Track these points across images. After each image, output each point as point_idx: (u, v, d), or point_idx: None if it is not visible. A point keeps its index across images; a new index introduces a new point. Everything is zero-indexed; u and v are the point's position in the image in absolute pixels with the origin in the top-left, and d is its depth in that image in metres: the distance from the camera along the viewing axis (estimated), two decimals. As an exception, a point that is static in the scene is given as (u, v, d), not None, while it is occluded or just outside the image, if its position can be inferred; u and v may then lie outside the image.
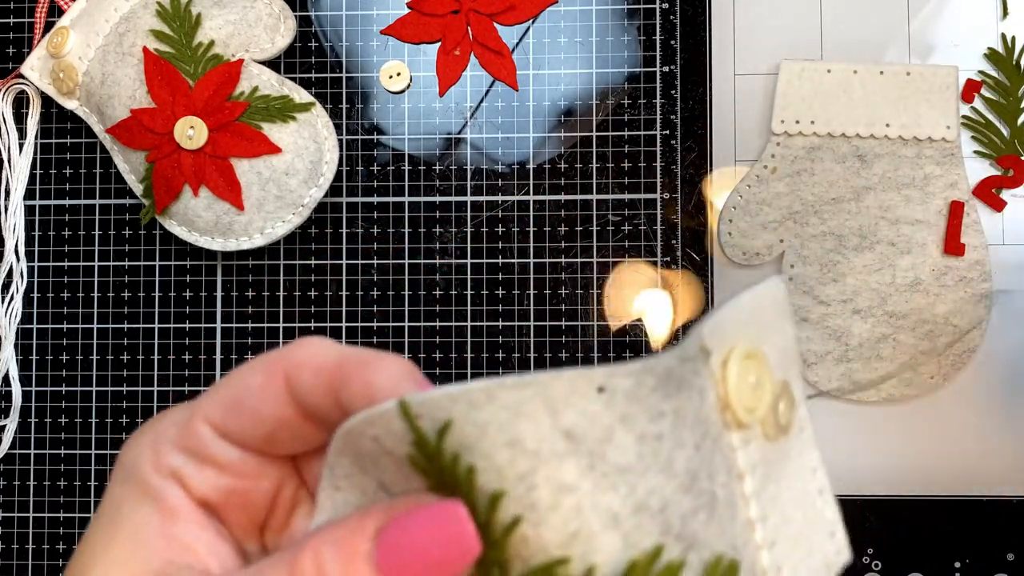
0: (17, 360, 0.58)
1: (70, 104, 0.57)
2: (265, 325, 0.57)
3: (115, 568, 0.25)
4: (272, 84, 0.55)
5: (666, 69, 0.57)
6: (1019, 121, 0.56)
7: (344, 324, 0.57)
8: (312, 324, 0.57)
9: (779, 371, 0.24)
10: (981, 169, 0.56)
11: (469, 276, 0.57)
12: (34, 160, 0.59)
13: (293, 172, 0.54)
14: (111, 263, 0.58)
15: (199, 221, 0.55)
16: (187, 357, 0.58)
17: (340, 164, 0.57)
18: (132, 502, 0.26)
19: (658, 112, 0.57)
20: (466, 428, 0.20)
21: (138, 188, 0.56)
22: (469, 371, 0.57)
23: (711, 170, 0.57)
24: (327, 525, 0.23)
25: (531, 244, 0.57)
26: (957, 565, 0.55)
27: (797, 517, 0.24)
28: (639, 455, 0.21)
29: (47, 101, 0.59)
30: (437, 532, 0.21)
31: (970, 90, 0.56)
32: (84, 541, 0.27)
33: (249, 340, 0.58)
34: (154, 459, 0.26)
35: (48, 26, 0.58)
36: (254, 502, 0.26)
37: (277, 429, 0.25)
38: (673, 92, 0.57)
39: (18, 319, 0.58)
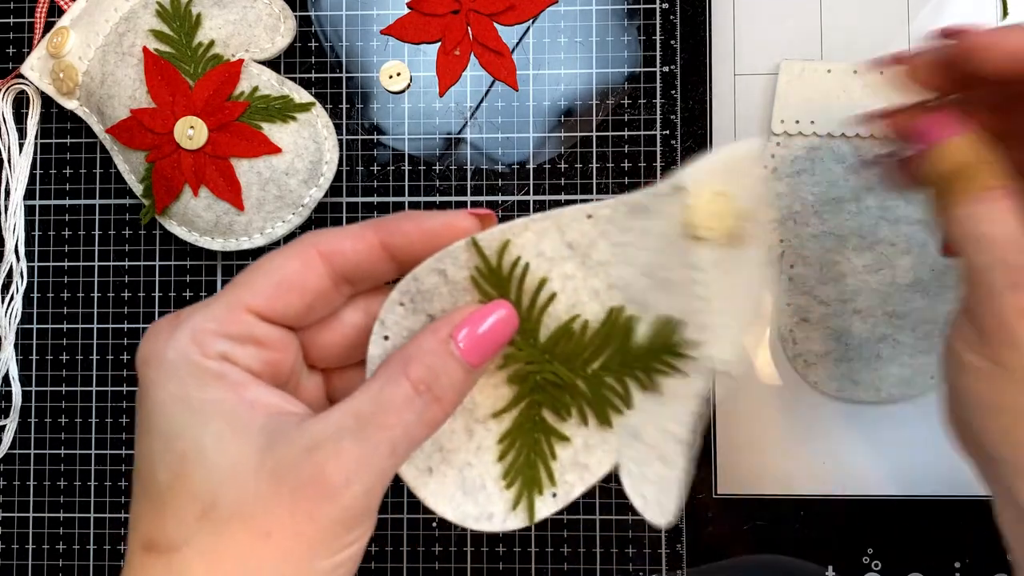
0: (17, 360, 0.58)
1: (70, 104, 0.57)
2: (265, 325, 0.57)
3: (227, 441, 0.29)
4: (272, 84, 0.55)
5: (666, 69, 0.57)
6: (1019, 121, 0.56)
7: (344, 324, 0.57)
8: (312, 324, 0.57)
9: (744, 203, 0.32)
10: (981, 169, 0.56)
11: (469, 276, 0.57)
12: (34, 160, 0.59)
13: (293, 172, 0.54)
14: (111, 263, 0.58)
15: (199, 221, 0.55)
16: (187, 357, 0.58)
17: (340, 164, 0.57)
18: (198, 387, 0.29)
19: (658, 112, 0.57)
20: (512, 248, 0.33)
21: (138, 188, 0.56)
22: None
23: (711, 170, 0.57)
24: (410, 340, 0.31)
25: (531, 244, 0.57)
26: (957, 565, 0.55)
27: (742, 299, 0.33)
28: (613, 254, 0.33)
29: (47, 101, 0.59)
30: (493, 315, 0.32)
31: (970, 90, 0.56)
32: (156, 448, 0.29)
33: (249, 340, 0.57)
34: (200, 349, 0.30)
35: (48, 26, 0.58)
36: (282, 371, 0.33)
37: (315, 300, 0.32)
38: (673, 92, 0.57)
39: (18, 319, 0.58)
